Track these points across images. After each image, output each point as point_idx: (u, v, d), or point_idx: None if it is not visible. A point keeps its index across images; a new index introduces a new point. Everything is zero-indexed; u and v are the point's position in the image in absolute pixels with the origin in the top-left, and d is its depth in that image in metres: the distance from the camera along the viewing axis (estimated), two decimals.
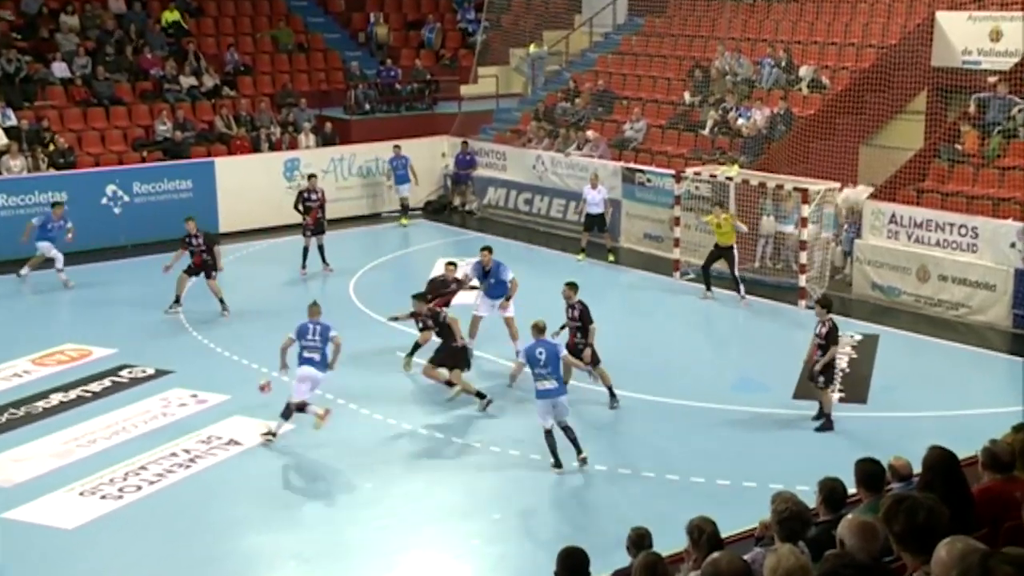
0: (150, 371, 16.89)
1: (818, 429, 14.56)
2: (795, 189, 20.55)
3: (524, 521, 12.58)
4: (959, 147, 21.18)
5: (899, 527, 5.00)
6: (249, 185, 25.65)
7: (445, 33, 33.71)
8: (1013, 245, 18.44)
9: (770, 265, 21.96)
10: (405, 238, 26.03)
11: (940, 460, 6.54)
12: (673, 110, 26.41)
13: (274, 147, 27.27)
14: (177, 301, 19.62)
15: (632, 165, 24.64)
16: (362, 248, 24.76)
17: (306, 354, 14.42)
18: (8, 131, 24.68)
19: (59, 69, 26.98)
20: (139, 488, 13.11)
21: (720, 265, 20.44)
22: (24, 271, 21.44)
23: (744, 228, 20.68)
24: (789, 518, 6.23)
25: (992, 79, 21.55)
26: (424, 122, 29.76)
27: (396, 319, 17.05)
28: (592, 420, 14.84)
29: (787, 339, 17.50)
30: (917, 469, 7.11)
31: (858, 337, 18.21)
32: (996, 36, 21.89)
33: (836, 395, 15.48)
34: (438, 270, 19.54)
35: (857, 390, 16.07)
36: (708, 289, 20.59)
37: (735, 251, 20.29)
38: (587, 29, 31.99)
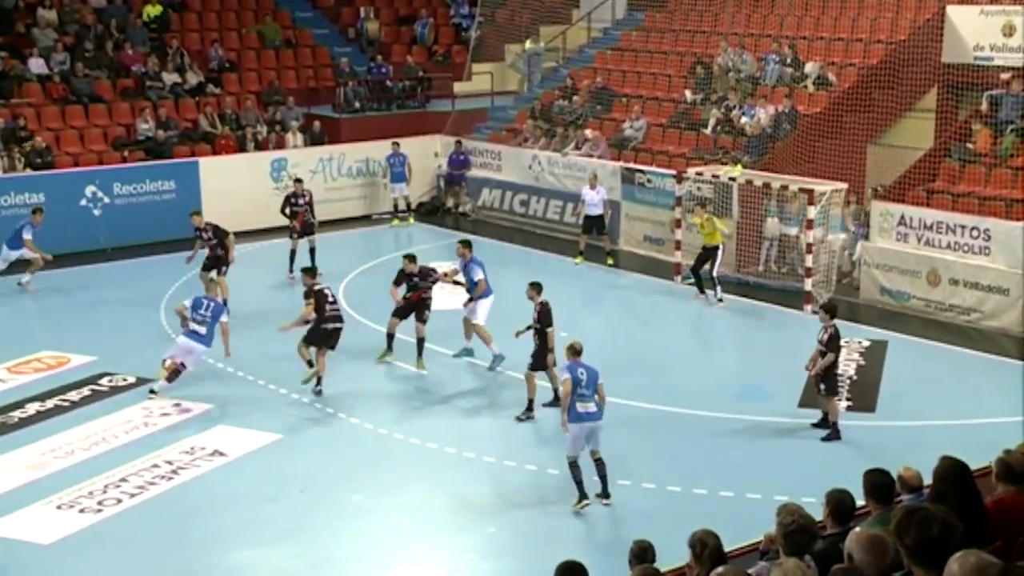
0: (131, 379, 16.85)
1: (825, 439, 14.56)
2: (800, 190, 20.57)
3: (520, 535, 12.54)
4: (971, 146, 21.21)
5: (911, 540, 4.99)
6: (234, 186, 25.60)
7: (438, 28, 33.74)
8: None
9: (775, 269, 21.97)
10: (397, 241, 26.01)
11: (952, 471, 6.53)
12: (674, 108, 26.43)
13: (260, 147, 27.26)
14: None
15: (632, 165, 24.65)
16: (353, 251, 24.75)
17: (193, 326, 16.02)
18: None
19: (36, 65, 26.94)
20: (119, 501, 13.06)
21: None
22: (26, 278, 21.26)
23: (727, 230, 20.75)
24: (795, 531, 6.23)
25: (1005, 75, 21.58)
26: (416, 121, 29.76)
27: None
28: None
29: (792, 345, 17.49)
30: (928, 480, 7.09)
31: (866, 343, 18.22)
32: (1009, 31, 21.90)
33: (844, 404, 15.49)
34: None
35: (865, 398, 16.07)
36: (701, 292, 20.66)
37: (719, 252, 20.38)
38: (585, 24, 32.02)
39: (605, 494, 12.81)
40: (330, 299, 16.41)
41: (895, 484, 7.28)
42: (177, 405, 15.89)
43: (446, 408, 15.94)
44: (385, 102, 30.39)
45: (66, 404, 16.02)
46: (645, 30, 29.91)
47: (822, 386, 14.63)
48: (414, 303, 17.29)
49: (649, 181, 23.91)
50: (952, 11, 23.13)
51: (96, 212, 24.27)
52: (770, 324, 19.89)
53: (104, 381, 16.84)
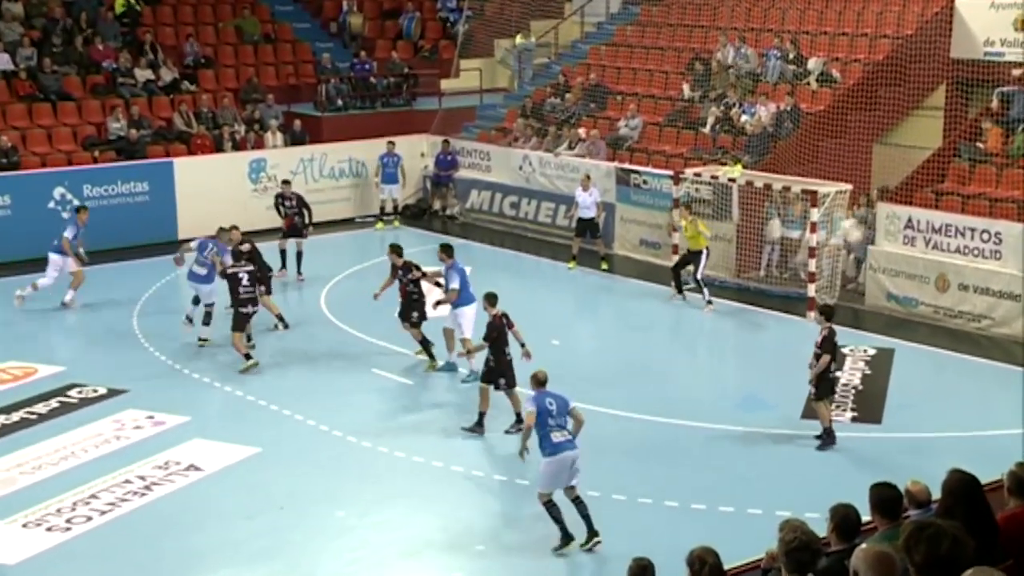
0: (102, 390, 16.80)
1: (819, 447, 14.58)
2: (803, 191, 20.60)
3: (509, 553, 12.52)
4: (981, 145, 21.26)
5: (920, 557, 4.99)
6: (211, 187, 25.56)
7: (424, 23, 33.75)
8: None
9: (776, 274, 21.97)
10: (382, 245, 25.90)
11: (961, 485, 6.53)
12: (671, 106, 26.46)
13: (238, 147, 27.23)
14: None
15: (627, 166, 24.66)
16: (337, 255, 24.69)
17: (195, 268, 18.44)
18: None
19: (1, 61, 26.89)
20: (89, 519, 13.01)
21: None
22: (68, 297, 20.80)
23: (709, 233, 20.81)
24: (797, 548, 6.22)
25: (1016, 72, 21.65)
26: (402, 119, 29.75)
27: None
28: (584, 441, 14.77)
29: (794, 354, 17.45)
30: (936, 494, 7.10)
31: (872, 351, 18.24)
32: (1021, 25, 21.93)
33: (849, 415, 15.52)
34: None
35: (871, 409, 16.09)
36: (679, 292, 20.94)
37: (703, 256, 20.54)
38: (578, 18, 32.07)
39: (593, 532, 12.17)
40: (245, 282, 17.37)
41: (902, 498, 7.28)
42: (150, 417, 15.83)
43: (432, 421, 15.91)
44: (369, 100, 30.38)
45: (33, 417, 15.95)
46: (641, 24, 29.96)
47: (814, 389, 14.63)
48: (403, 300, 17.31)
49: (645, 182, 23.92)
50: (961, 4, 23.19)
51: (65, 215, 24.19)
52: (771, 332, 19.91)
53: (73, 392, 16.78)
